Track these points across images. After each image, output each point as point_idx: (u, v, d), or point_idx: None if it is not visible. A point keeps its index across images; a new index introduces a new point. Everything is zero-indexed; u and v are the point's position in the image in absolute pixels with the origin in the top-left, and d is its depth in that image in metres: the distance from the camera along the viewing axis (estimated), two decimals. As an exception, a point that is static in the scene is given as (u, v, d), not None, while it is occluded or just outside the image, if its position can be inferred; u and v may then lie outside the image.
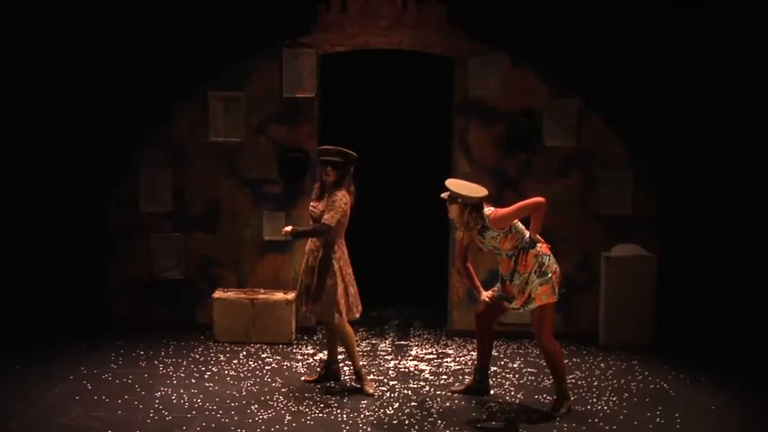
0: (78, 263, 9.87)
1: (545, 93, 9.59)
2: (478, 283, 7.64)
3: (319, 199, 7.81)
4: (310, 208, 7.90)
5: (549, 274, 7.37)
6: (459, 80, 9.63)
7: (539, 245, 7.41)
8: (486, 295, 7.59)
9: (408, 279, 11.37)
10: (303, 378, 8.13)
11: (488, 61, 9.57)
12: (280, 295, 9.41)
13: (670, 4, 9.60)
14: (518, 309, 7.51)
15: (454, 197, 7.39)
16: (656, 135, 9.85)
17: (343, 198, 7.74)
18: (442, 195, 7.53)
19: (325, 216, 7.69)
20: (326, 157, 7.76)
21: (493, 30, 9.56)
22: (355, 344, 7.96)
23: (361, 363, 8.02)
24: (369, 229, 11.48)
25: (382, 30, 9.58)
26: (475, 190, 7.43)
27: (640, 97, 9.72)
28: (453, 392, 7.83)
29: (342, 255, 7.84)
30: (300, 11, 9.56)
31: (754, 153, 9.83)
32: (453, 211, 7.45)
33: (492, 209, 7.43)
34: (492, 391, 7.92)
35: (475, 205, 7.35)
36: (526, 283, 7.36)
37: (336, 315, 7.70)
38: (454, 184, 7.49)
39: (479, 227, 7.37)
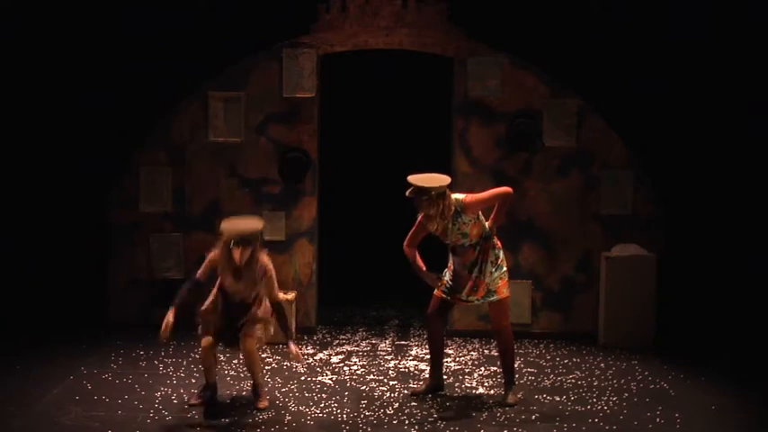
0: (78, 263, 9.87)
1: (545, 93, 9.60)
2: (424, 267, 7.63)
3: (236, 278, 7.31)
4: (233, 287, 7.33)
5: (504, 268, 7.52)
6: (459, 80, 9.63)
7: (495, 237, 7.51)
8: (437, 280, 7.62)
9: (408, 279, 11.36)
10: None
11: (488, 61, 9.57)
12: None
13: (670, 3, 9.62)
14: (475, 301, 7.58)
15: (423, 191, 7.33)
16: (656, 135, 9.86)
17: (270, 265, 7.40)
18: (407, 194, 7.45)
19: (277, 294, 7.43)
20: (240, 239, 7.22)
21: (493, 30, 9.56)
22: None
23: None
24: (369, 229, 11.51)
25: (382, 30, 9.58)
26: (438, 179, 7.43)
27: (640, 97, 9.72)
28: (414, 393, 7.81)
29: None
30: (300, 11, 9.56)
31: (754, 153, 9.84)
32: (425, 207, 7.39)
33: (461, 194, 7.49)
34: (492, 391, 7.94)
35: (442, 193, 7.36)
36: (484, 275, 7.44)
37: None
38: (417, 179, 7.43)
39: (452, 213, 7.38)
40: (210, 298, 7.45)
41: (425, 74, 10.50)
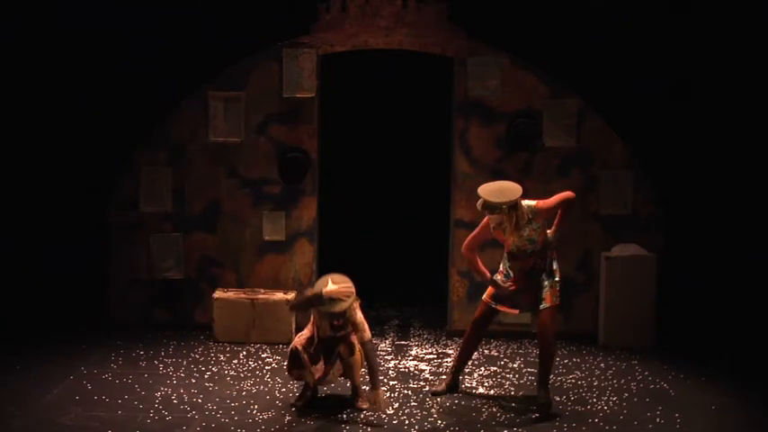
0: (78, 263, 9.86)
1: (545, 93, 9.60)
2: (485, 269, 7.63)
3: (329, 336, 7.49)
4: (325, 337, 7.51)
5: (557, 278, 7.47)
6: (459, 80, 9.63)
7: (553, 244, 7.48)
8: (496, 277, 7.57)
9: (408, 279, 11.38)
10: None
11: (488, 61, 9.57)
12: (280, 295, 9.41)
13: (671, 3, 9.62)
14: (524, 309, 7.60)
15: (494, 207, 7.23)
16: (656, 135, 9.86)
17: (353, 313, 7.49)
18: (477, 206, 7.37)
19: (365, 335, 7.42)
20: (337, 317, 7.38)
21: (493, 30, 9.56)
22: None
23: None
24: (369, 229, 11.52)
25: (382, 30, 9.58)
26: (508, 190, 7.31)
27: (640, 97, 9.72)
28: (434, 393, 7.83)
29: None
30: (300, 11, 9.56)
31: (754, 153, 9.83)
32: (496, 219, 7.29)
33: (531, 201, 7.40)
34: (492, 391, 7.94)
35: (514, 206, 7.26)
36: (537, 284, 7.41)
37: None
38: (487, 192, 7.29)
39: (526, 220, 7.33)
40: (305, 333, 7.56)
41: (425, 74, 10.50)
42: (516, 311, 7.64)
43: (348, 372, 7.54)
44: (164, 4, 9.62)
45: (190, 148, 9.68)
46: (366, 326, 7.44)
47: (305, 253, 9.72)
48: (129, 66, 9.70)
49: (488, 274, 7.59)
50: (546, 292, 7.42)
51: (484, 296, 7.72)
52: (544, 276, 7.42)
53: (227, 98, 9.62)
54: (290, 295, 9.39)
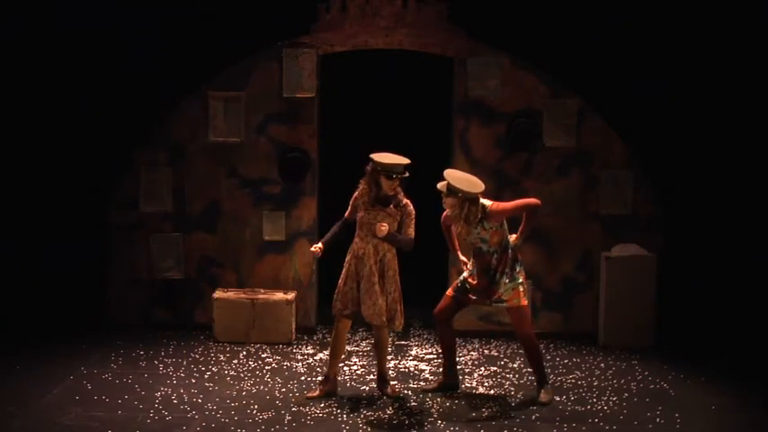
0: (78, 263, 9.87)
1: (545, 93, 9.60)
2: (458, 246, 7.92)
3: (373, 206, 7.62)
4: (367, 217, 7.66)
5: (520, 279, 7.58)
6: (459, 80, 9.64)
7: (515, 250, 7.61)
8: (463, 260, 7.84)
9: (408, 279, 11.36)
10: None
11: (488, 61, 9.58)
12: (280, 295, 9.41)
13: (671, 4, 9.62)
14: (486, 303, 7.75)
15: (454, 190, 7.40)
16: (656, 135, 9.86)
17: (411, 206, 7.67)
18: (438, 186, 7.54)
19: (410, 231, 7.64)
20: (400, 174, 7.56)
21: (493, 30, 9.57)
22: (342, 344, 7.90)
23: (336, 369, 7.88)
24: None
25: (382, 30, 9.59)
26: (474, 184, 7.48)
27: (640, 97, 9.73)
28: (425, 391, 7.85)
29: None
30: (300, 11, 9.57)
31: (754, 153, 9.84)
32: (450, 203, 7.48)
33: (490, 201, 7.52)
34: (492, 391, 7.94)
35: (474, 200, 7.38)
36: (498, 283, 7.52)
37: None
38: (453, 177, 7.49)
39: (477, 219, 7.41)
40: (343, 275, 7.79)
41: (425, 74, 10.49)
42: (475, 298, 7.75)
43: (376, 351, 7.81)
44: (164, 4, 9.62)
45: (190, 148, 9.68)
46: (414, 224, 7.60)
47: (305, 253, 9.72)
48: (129, 66, 9.71)
49: (458, 252, 7.91)
50: (508, 293, 7.53)
51: (448, 291, 7.92)
52: (505, 278, 7.52)
53: (227, 98, 9.62)
54: (290, 295, 9.39)
